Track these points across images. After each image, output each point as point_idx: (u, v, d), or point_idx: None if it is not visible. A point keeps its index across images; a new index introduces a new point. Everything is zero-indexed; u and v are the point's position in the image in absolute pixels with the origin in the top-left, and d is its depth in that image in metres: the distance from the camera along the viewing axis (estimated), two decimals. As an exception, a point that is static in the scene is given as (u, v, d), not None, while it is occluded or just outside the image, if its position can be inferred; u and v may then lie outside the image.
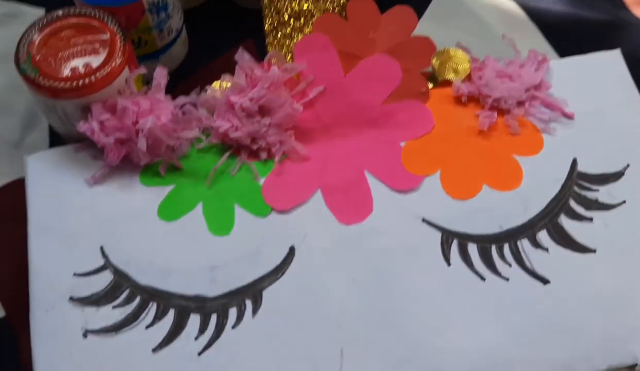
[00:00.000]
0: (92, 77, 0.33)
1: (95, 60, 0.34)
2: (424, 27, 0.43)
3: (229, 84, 0.36)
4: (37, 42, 0.34)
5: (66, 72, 0.33)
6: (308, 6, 0.37)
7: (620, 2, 0.45)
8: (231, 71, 0.37)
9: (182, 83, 0.41)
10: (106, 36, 0.34)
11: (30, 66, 0.33)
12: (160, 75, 0.36)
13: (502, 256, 0.33)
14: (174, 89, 0.38)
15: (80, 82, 0.33)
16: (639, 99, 0.38)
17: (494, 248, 0.33)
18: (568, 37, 0.43)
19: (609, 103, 0.38)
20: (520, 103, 0.37)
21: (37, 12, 0.44)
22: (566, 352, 0.31)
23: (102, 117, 0.33)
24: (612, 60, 0.39)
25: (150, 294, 0.32)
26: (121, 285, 0.32)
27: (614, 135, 0.37)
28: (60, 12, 0.35)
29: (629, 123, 0.37)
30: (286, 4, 0.37)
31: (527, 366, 0.31)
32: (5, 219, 0.37)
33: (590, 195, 0.35)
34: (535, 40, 0.43)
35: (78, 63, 0.34)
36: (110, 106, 0.34)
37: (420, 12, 0.44)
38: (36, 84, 0.33)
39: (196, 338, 0.31)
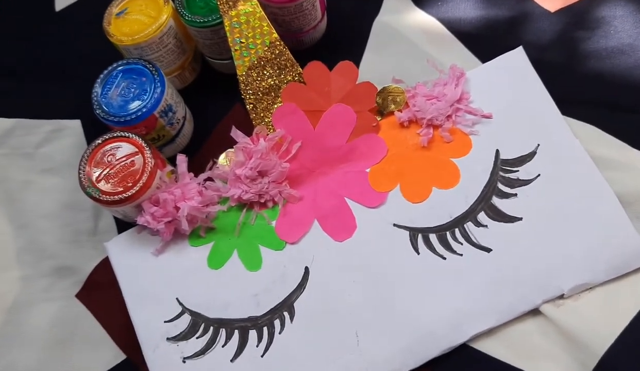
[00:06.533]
0: (137, 186, 0.44)
1: (135, 170, 0.45)
2: (367, 58, 0.52)
3: (231, 156, 0.47)
4: (91, 170, 0.46)
5: (119, 187, 0.45)
6: (273, 82, 0.48)
7: (522, -7, 0.52)
8: (227, 133, 0.47)
9: (197, 154, 0.51)
10: (136, 149, 0.46)
11: (93, 189, 0.45)
12: (181, 161, 0.47)
13: (455, 238, 0.44)
14: (192, 158, 0.48)
15: (130, 193, 0.44)
16: (541, 87, 0.46)
17: (448, 234, 0.44)
18: (482, 40, 0.50)
19: (517, 96, 0.46)
20: (448, 117, 0.46)
21: (75, 123, 0.54)
22: (509, 298, 0.42)
23: (151, 210, 0.45)
24: (516, 58, 0.47)
25: (218, 323, 0.44)
26: (197, 322, 0.45)
27: (525, 123, 0.45)
28: (99, 140, 0.46)
29: (535, 109, 0.46)
30: (256, 84, 0.48)
31: (483, 316, 0.41)
32: (107, 287, 0.48)
33: (512, 175, 0.45)
34: (457, 50, 0.50)
35: (125, 176, 0.45)
36: (154, 200, 0.46)
37: (363, 45, 0.53)
38: (101, 201, 0.45)
39: (257, 345, 0.43)
